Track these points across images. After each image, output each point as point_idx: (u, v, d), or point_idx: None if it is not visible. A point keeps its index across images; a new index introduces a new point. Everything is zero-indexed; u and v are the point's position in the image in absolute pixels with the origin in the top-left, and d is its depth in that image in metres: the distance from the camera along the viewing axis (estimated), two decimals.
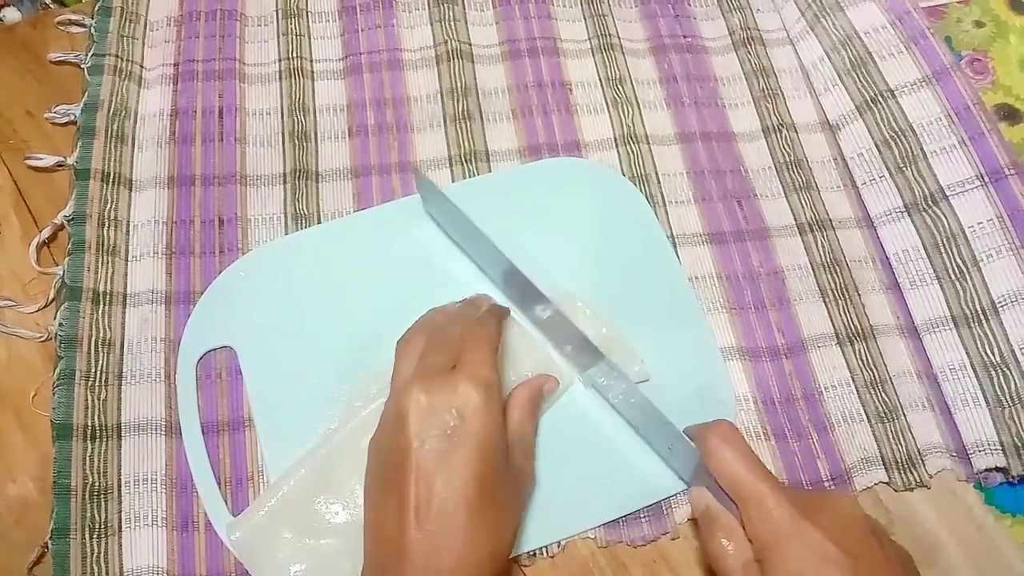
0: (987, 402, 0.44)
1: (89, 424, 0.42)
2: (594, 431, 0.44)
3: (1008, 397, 0.43)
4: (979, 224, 0.46)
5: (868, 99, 0.51)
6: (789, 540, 0.33)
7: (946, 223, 0.47)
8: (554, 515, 0.42)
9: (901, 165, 0.49)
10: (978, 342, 0.45)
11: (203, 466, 0.42)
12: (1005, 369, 0.44)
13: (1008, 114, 0.53)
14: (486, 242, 0.44)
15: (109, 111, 0.50)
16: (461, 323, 0.40)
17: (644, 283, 0.47)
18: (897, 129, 0.49)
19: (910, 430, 0.45)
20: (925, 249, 0.48)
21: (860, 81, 0.51)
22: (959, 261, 0.46)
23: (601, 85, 0.53)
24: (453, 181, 0.50)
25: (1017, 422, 0.43)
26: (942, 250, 0.47)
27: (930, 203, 0.48)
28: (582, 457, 0.43)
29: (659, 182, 0.50)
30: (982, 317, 0.45)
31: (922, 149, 0.48)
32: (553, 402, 0.44)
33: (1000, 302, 0.44)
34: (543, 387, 0.42)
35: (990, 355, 0.44)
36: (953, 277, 0.46)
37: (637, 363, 0.44)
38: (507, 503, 0.36)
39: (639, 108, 0.53)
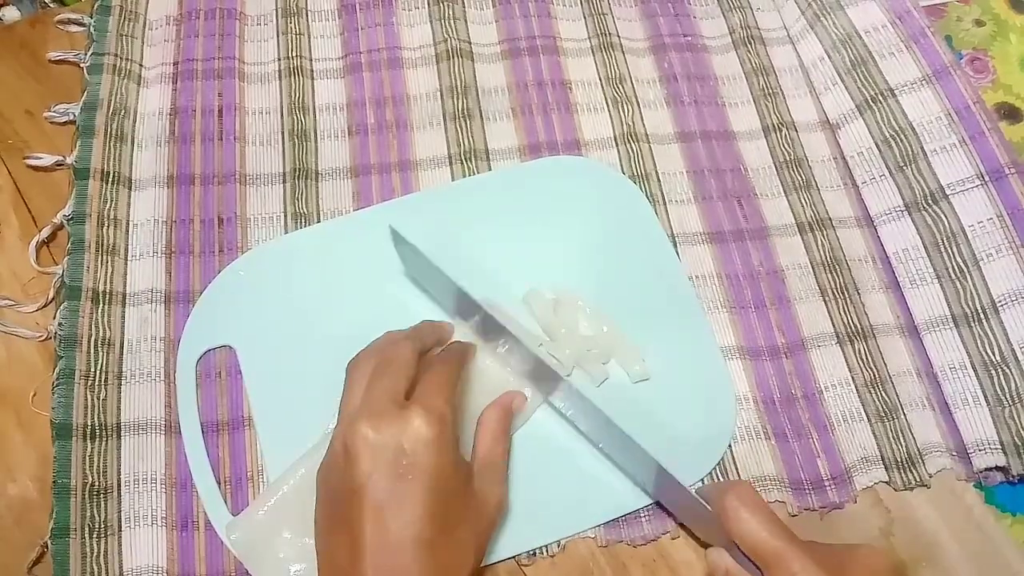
0: (987, 401, 0.44)
1: (89, 423, 0.42)
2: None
3: (1008, 396, 0.43)
4: (979, 223, 0.46)
5: (868, 98, 0.50)
6: None
7: (946, 222, 0.47)
8: (554, 514, 0.42)
9: (901, 164, 0.49)
10: (978, 341, 0.45)
11: (202, 465, 0.42)
12: (1005, 368, 0.44)
13: (1008, 113, 0.53)
14: (446, 279, 0.43)
15: (108, 110, 0.50)
16: (413, 346, 0.38)
17: (644, 282, 0.47)
18: (897, 128, 0.49)
19: (910, 429, 0.45)
20: (925, 248, 0.48)
21: (860, 80, 0.51)
22: (959, 260, 0.46)
23: (601, 84, 0.53)
24: (453, 179, 0.50)
25: (1017, 421, 0.43)
26: (942, 249, 0.47)
27: (930, 202, 0.47)
28: (582, 455, 0.43)
29: (659, 181, 0.50)
30: (982, 316, 0.45)
31: (922, 148, 0.48)
32: (526, 419, 0.43)
33: (1000, 301, 0.44)
34: (511, 405, 0.41)
35: (990, 354, 0.44)
36: (953, 276, 0.46)
37: (638, 362, 0.44)
38: (465, 535, 0.35)
39: (639, 107, 0.52)
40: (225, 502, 0.42)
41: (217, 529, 0.41)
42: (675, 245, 0.49)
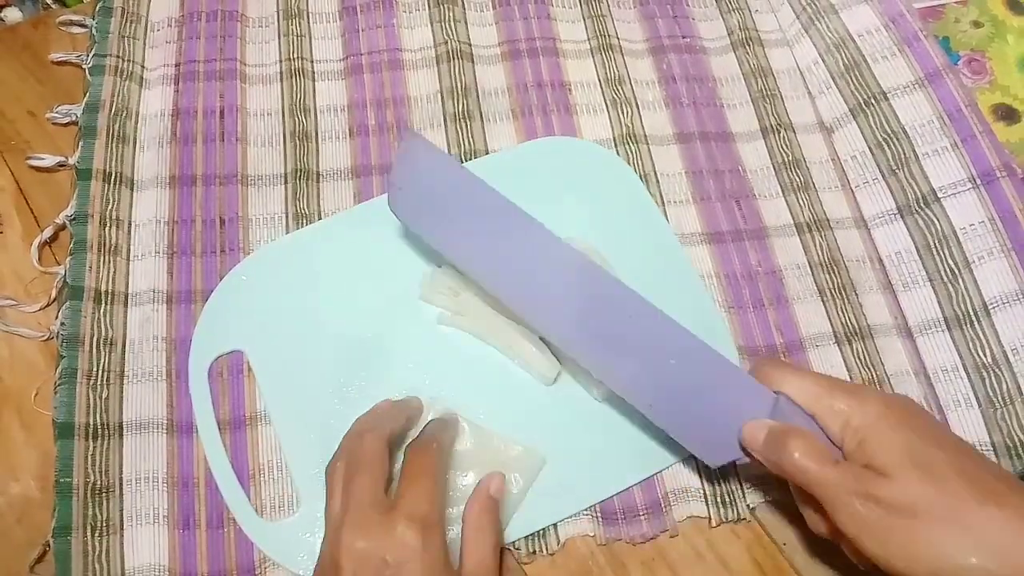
0: (979, 403, 0.44)
1: (91, 423, 0.42)
2: (586, 410, 0.44)
3: (999, 398, 0.44)
4: (971, 226, 0.46)
5: (861, 102, 0.51)
6: (892, 414, 0.33)
7: (938, 225, 0.47)
8: (553, 496, 0.42)
9: (894, 167, 0.49)
10: (970, 343, 0.45)
11: (226, 470, 0.42)
12: (997, 370, 0.44)
13: (1006, 114, 0.54)
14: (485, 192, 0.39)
15: (110, 111, 0.50)
16: (379, 435, 0.37)
17: (643, 255, 0.48)
18: (890, 131, 0.49)
19: None
20: (917, 251, 0.48)
21: (853, 84, 0.51)
22: (951, 263, 0.46)
23: (600, 85, 0.54)
24: None
25: (1008, 423, 0.43)
26: (934, 252, 0.47)
27: (922, 205, 0.48)
28: (577, 437, 0.44)
29: (658, 182, 0.51)
30: (974, 319, 0.45)
31: (914, 151, 0.48)
32: (516, 506, 0.42)
33: (992, 304, 0.45)
34: (491, 489, 0.38)
35: (982, 356, 0.45)
36: (945, 279, 0.47)
37: None
38: None
39: (638, 108, 0.53)
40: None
41: (245, 530, 0.41)
42: None
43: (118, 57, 0.52)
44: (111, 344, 0.44)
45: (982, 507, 0.30)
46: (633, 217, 0.49)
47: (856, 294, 0.48)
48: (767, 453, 0.35)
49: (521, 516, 0.42)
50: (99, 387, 0.43)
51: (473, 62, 0.54)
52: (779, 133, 0.53)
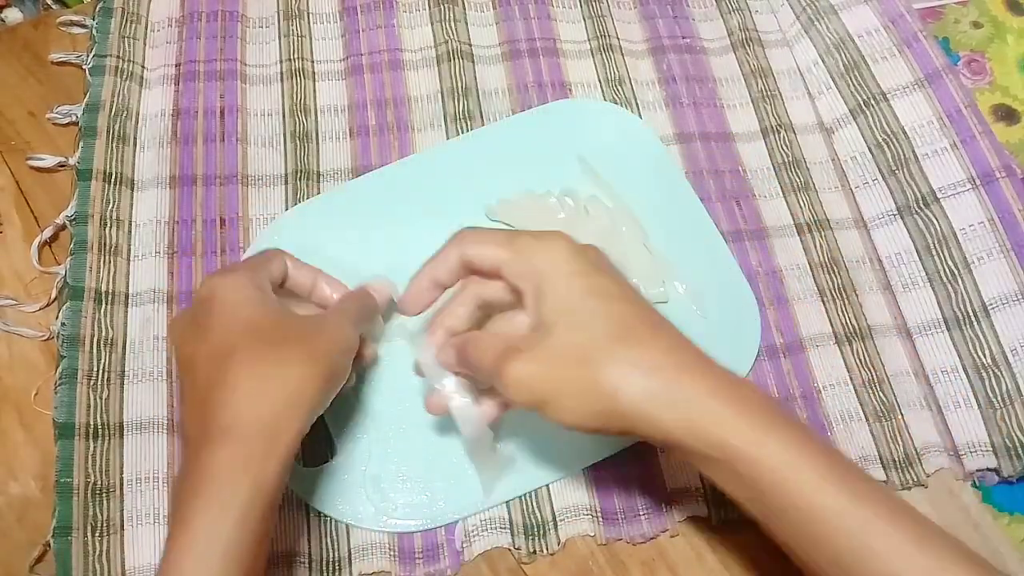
0: (978, 403, 0.45)
1: (91, 423, 0.42)
2: None
3: (999, 399, 0.44)
4: (970, 226, 0.46)
5: (861, 102, 0.51)
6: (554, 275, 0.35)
7: (938, 226, 0.47)
8: (544, 459, 0.43)
9: (893, 168, 0.49)
10: (970, 344, 0.45)
11: None
12: (996, 371, 0.44)
13: (1005, 114, 0.54)
14: None
15: (111, 111, 0.50)
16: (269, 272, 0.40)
17: (659, 208, 0.49)
18: (889, 132, 0.49)
19: (907, 429, 0.45)
20: (917, 252, 0.48)
21: (853, 84, 0.51)
22: (951, 264, 0.46)
23: (600, 86, 0.54)
24: None
25: (1008, 423, 0.43)
26: (934, 252, 0.47)
27: (922, 206, 0.48)
28: None
29: None
30: (973, 319, 0.45)
31: (914, 152, 0.48)
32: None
33: (991, 304, 0.45)
34: (363, 300, 0.42)
35: (981, 357, 0.45)
36: (945, 279, 0.47)
37: (659, 284, 0.46)
38: (284, 353, 0.35)
39: (638, 108, 0.53)
40: None
41: None
42: None
43: (118, 57, 0.52)
44: (111, 344, 0.44)
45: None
46: (657, 179, 0.50)
47: (856, 294, 0.48)
48: (456, 363, 0.38)
49: (511, 478, 0.42)
50: (99, 387, 0.43)
51: (473, 62, 0.54)
52: (779, 133, 0.53)
